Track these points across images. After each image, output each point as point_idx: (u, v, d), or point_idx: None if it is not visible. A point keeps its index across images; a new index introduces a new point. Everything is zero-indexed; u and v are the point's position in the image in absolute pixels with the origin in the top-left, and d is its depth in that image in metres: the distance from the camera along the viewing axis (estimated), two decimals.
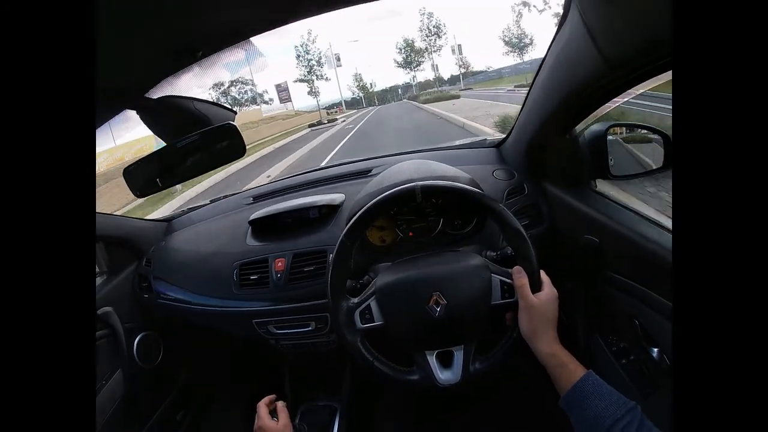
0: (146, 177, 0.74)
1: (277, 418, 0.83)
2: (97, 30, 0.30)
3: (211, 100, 0.69)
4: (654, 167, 0.94)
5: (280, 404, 0.86)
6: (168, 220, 1.44)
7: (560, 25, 0.64)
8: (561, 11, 0.62)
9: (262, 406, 0.84)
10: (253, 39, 0.49)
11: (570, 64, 0.66)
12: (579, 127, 0.90)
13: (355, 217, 0.77)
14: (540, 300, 0.69)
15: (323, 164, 1.52)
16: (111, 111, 0.60)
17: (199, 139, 0.67)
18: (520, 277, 0.71)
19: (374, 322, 0.75)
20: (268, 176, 7.84)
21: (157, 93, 0.62)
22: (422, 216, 1.02)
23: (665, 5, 0.40)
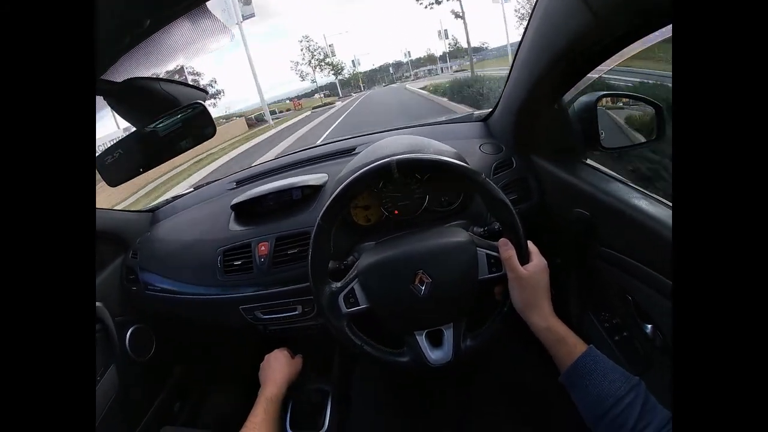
0: (118, 163, 0.71)
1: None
2: None
3: (180, 80, 0.65)
4: (645, 139, 0.92)
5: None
6: (152, 210, 1.41)
7: None
8: None
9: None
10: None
11: (557, 21, 0.62)
12: (568, 98, 0.87)
13: (330, 199, 0.74)
14: (529, 271, 0.67)
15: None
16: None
17: (171, 122, 0.64)
18: (506, 249, 0.69)
19: (359, 305, 0.73)
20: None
21: (118, 75, 0.59)
22: (408, 193, 1.00)
23: None
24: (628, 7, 0.48)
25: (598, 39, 0.58)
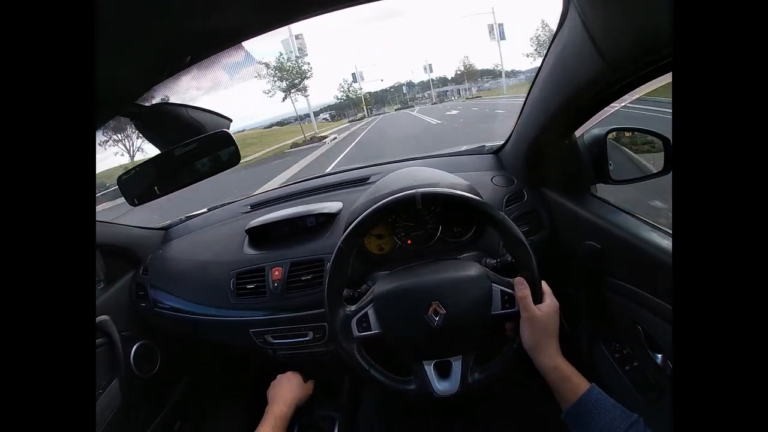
0: (141, 185, 0.73)
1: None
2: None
3: (206, 107, 0.68)
4: (654, 171, 0.94)
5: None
6: (165, 229, 1.43)
7: (559, 25, 0.63)
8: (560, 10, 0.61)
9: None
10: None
11: (570, 65, 0.65)
12: (578, 132, 0.89)
13: (353, 224, 0.76)
14: (542, 312, 0.69)
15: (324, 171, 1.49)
16: (101, 118, 0.59)
17: (195, 147, 0.66)
18: (522, 288, 0.70)
19: (371, 330, 0.74)
20: None
21: (148, 100, 0.62)
22: (421, 224, 1.01)
23: (665, 5, 0.40)
24: (639, 56, 0.50)
25: (608, 84, 0.60)
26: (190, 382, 1.41)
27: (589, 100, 0.69)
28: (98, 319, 1.10)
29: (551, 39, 0.68)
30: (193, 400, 1.41)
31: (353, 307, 0.76)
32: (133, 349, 1.17)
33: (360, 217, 0.76)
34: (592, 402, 0.59)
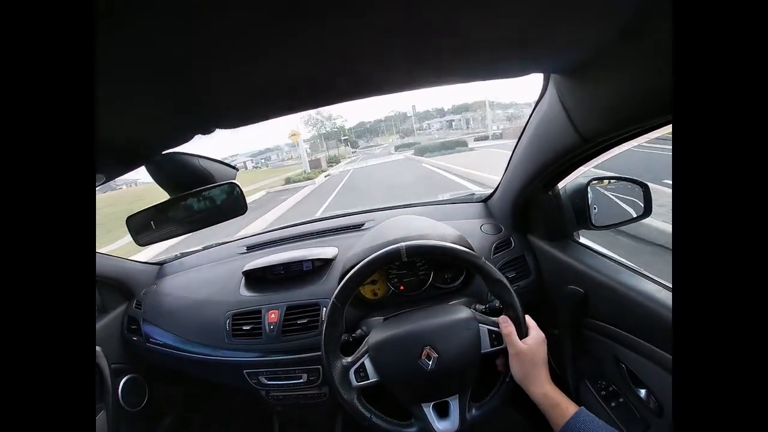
0: (148, 226, 0.76)
1: None
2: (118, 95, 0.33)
3: (215, 158, 0.73)
4: (635, 215, 1.00)
5: None
6: (160, 264, 1.44)
7: (539, 98, 0.70)
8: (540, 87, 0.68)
9: None
10: None
11: (548, 135, 0.72)
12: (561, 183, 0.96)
13: (344, 280, 0.80)
14: (528, 345, 0.73)
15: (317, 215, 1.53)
16: (131, 165, 0.64)
17: (203, 195, 0.70)
18: (506, 326, 0.75)
19: (369, 379, 0.77)
20: None
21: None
22: (413, 271, 1.06)
23: (636, 88, 0.46)
24: (609, 130, 0.56)
25: (582, 152, 0.67)
26: (177, 418, 1.39)
27: (566, 164, 0.76)
28: None
29: (533, 107, 0.76)
30: None
31: (350, 359, 0.79)
32: (122, 382, 1.16)
33: (350, 273, 0.80)
34: (581, 424, 0.62)
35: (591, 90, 0.54)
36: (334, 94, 0.48)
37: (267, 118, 0.50)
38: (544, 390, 0.69)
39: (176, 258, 1.47)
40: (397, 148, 40.05)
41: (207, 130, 0.50)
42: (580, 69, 0.51)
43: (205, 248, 1.49)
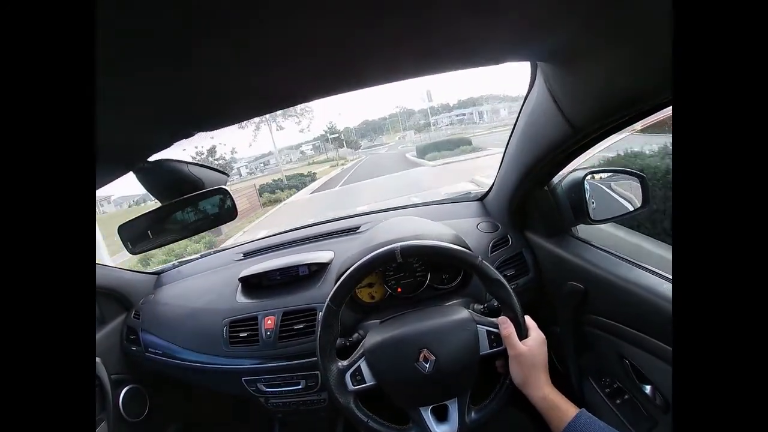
0: (140, 234, 0.75)
1: None
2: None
3: (205, 164, 0.72)
4: (632, 208, 0.99)
5: None
6: (157, 273, 1.44)
7: (528, 89, 0.70)
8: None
9: None
10: None
11: (538, 127, 0.71)
12: (556, 180, 0.95)
13: (338, 283, 0.79)
14: (528, 346, 0.71)
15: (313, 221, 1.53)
16: (117, 172, 0.63)
17: (194, 201, 0.70)
18: (506, 327, 0.73)
19: (366, 383, 0.75)
20: None
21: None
22: (410, 272, 1.05)
23: (622, 73, 0.45)
24: (600, 119, 0.56)
25: (574, 143, 0.66)
26: (178, 427, 1.38)
27: (559, 155, 0.74)
28: None
29: (523, 101, 0.75)
30: None
31: (346, 362, 0.77)
32: (122, 393, 1.15)
33: (345, 275, 0.79)
34: (581, 426, 0.61)
35: (578, 77, 0.53)
36: (317, 89, 0.48)
37: (248, 118, 0.49)
38: (544, 393, 0.68)
39: (174, 267, 1.47)
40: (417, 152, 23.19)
41: (188, 134, 0.49)
42: (566, 56, 0.51)
43: (202, 256, 1.49)
